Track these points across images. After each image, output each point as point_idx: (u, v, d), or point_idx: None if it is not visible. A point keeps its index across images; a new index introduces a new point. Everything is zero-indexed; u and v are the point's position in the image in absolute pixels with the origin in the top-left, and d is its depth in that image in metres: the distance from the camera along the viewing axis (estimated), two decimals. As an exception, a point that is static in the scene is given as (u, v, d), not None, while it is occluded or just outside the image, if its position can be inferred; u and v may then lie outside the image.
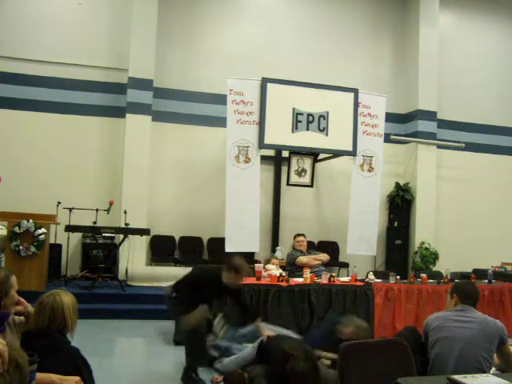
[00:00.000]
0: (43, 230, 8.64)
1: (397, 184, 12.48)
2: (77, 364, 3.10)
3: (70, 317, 3.20)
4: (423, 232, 12.24)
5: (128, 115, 10.79)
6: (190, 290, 5.38)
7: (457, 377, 3.22)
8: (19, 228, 8.52)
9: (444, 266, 10.19)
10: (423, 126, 12.46)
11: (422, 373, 3.85)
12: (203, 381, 5.45)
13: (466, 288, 4.24)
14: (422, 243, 11.99)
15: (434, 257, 11.81)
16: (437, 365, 3.91)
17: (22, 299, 3.38)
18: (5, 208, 8.88)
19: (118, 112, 11.10)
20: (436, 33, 12.69)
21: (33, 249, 8.51)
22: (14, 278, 3.21)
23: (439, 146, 12.70)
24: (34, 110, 10.81)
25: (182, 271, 9.60)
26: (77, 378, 2.87)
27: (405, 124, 12.82)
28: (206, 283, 5.47)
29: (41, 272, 8.64)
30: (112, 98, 11.21)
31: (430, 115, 12.47)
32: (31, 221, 8.58)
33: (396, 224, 12.42)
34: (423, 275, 8.44)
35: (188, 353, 5.47)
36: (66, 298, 3.22)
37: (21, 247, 8.46)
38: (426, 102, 12.53)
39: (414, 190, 12.41)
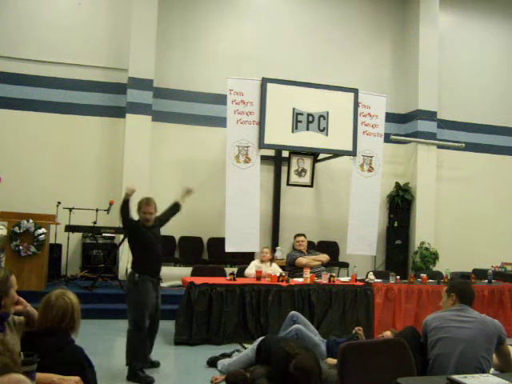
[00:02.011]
0: (43, 230, 8.64)
1: (397, 184, 12.47)
2: (81, 363, 3.10)
3: (78, 317, 3.20)
4: (423, 232, 12.23)
5: (128, 115, 10.78)
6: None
7: (457, 377, 3.22)
8: (19, 228, 8.52)
9: (444, 266, 10.19)
10: (423, 125, 12.45)
11: (421, 373, 3.85)
12: (151, 377, 5.51)
13: (464, 287, 4.25)
14: (422, 243, 11.98)
15: (434, 257, 11.80)
16: (437, 365, 3.90)
17: (22, 299, 3.38)
18: (5, 208, 8.88)
19: (118, 112, 11.10)
20: (436, 32, 12.68)
21: (33, 249, 8.51)
22: (13, 278, 3.21)
23: (439, 146, 12.69)
24: (34, 110, 10.80)
25: (181, 271, 9.65)
26: (77, 378, 2.87)
27: (405, 124, 12.82)
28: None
29: (41, 272, 8.64)
30: (112, 98, 11.21)
31: (430, 115, 12.47)
32: (31, 221, 8.58)
33: (396, 224, 12.41)
34: (423, 275, 8.46)
35: (132, 351, 5.58)
36: (73, 298, 3.23)
37: (21, 247, 8.46)
38: (426, 101, 12.52)
39: (414, 190, 12.41)
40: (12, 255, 8.51)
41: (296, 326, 5.89)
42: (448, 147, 12.78)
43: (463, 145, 12.66)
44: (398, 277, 8.10)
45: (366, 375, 3.52)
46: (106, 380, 5.25)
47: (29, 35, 10.85)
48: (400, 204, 12.35)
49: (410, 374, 3.56)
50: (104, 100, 11.19)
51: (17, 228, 8.52)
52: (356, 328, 6.26)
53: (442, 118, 12.83)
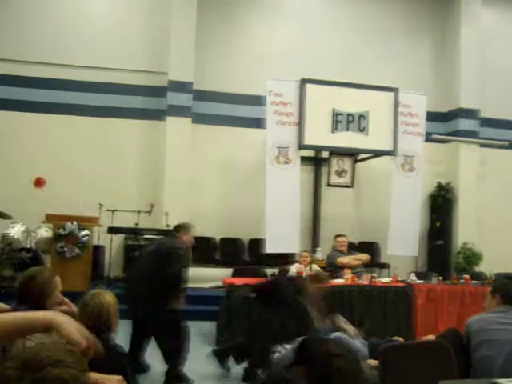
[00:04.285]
0: (87, 231, 8.81)
1: (438, 184, 12.31)
2: (122, 363, 3.14)
3: (114, 316, 3.24)
4: (466, 232, 12.02)
5: (168, 118, 10.91)
6: None
7: (502, 380, 3.14)
8: (64, 230, 8.71)
9: (488, 266, 10.00)
10: (465, 124, 12.26)
11: (464, 376, 3.80)
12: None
13: (509, 288, 4.16)
14: (465, 243, 11.78)
15: (478, 257, 11.59)
16: (481, 368, 3.84)
17: (67, 299, 3.44)
18: (50, 210, 9.07)
19: (158, 115, 11.21)
20: (478, 29, 12.45)
21: (77, 250, 8.70)
22: (57, 279, 3.27)
23: (482, 145, 12.48)
24: (79, 114, 11.01)
25: (222, 272, 9.69)
26: (119, 377, 2.90)
27: (446, 123, 12.64)
28: None
29: (85, 273, 8.80)
30: (153, 101, 11.34)
31: (471, 113, 12.28)
32: (75, 223, 8.76)
33: (438, 224, 12.24)
34: (466, 276, 8.33)
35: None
36: (109, 298, 3.26)
37: (65, 249, 8.65)
38: (468, 100, 12.32)
39: (456, 190, 12.21)
40: (57, 256, 8.72)
41: (336, 334, 5.86)
42: (491, 145, 12.55)
43: (506, 143, 12.42)
44: (440, 278, 8.01)
45: (406, 377, 3.50)
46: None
47: (71, 41, 11.06)
48: (442, 204, 12.18)
49: (453, 377, 3.52)
50: (145, 103, 11.34)
51: (61, 230, 8.72)
52: (395, 338, 6.23)
53: (486, 116, 12.60)
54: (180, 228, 6.12)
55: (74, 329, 1.90)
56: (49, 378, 1.31)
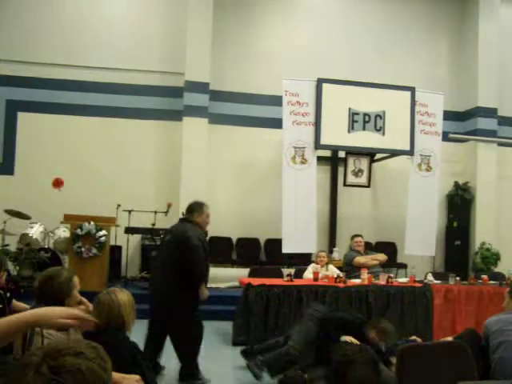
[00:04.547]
0: (104, 232, 8.86)
1: (456, 183, 12.22)
2: (135, 359, 3.16)
3: (127, 314, 3.27)
4: (484, 232, 11.92)
5: (185, 118, 10.94)
6: None
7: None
8: (81, 230, 8.77)
9: (507, 267, 9.91)
10: (483, 123, 12.15)
11: (483, 377, 3.77)
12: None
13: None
14: (483, 243, 11.68)
15: (496, 257, 11.49)
16: (500, 369, 3.82)
17: (85, 299, 3.47)
18: (68, 211, 9.14)
19: (175, 115, 11.24)
20: (496, 27, 12.32)
21: (94, 250, 8.75)
22: (76, 279, 3.31)
23: (500, 144, 12.37)
24: (96, 115, 11.08)
25: (239, 272, 9.70)
26: (137, 377, 2.92)
27: (464, 122, 12.54)
28: None
29: (102, 273, 8.85)
30: (169, 102, 11.38)
31: (490, 112, 12.17)
32: (92, 223, 8.81)
33: (455, 224, 12.15)
34: (484, 276, 8.27)
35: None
36: (122, 296, 3.29)
37: (83, 249, 8.70)
38: (486, 98, 12.20)
39: (474, 189, 12.12)
40: (74, 256, 8.77)
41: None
42: (510, 144, 12.44)
43: (525, 142, 12.32)
44: (458, 278, 7.95)
45: (424, 378, 3.48)
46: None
47: (87, 43, 11.15)
48: (459, 203, 12.10)
49: (472, 378, 3.50)
50: (161, 104, 11.38)
51: (79, 230, 8.78)
52: (413, 337, 6.20)
53: (504, 114, 12.49)
54: (191, 209, 5.76)
55: (53, 315, 1.91)
56: (66, 366, 1.32)
